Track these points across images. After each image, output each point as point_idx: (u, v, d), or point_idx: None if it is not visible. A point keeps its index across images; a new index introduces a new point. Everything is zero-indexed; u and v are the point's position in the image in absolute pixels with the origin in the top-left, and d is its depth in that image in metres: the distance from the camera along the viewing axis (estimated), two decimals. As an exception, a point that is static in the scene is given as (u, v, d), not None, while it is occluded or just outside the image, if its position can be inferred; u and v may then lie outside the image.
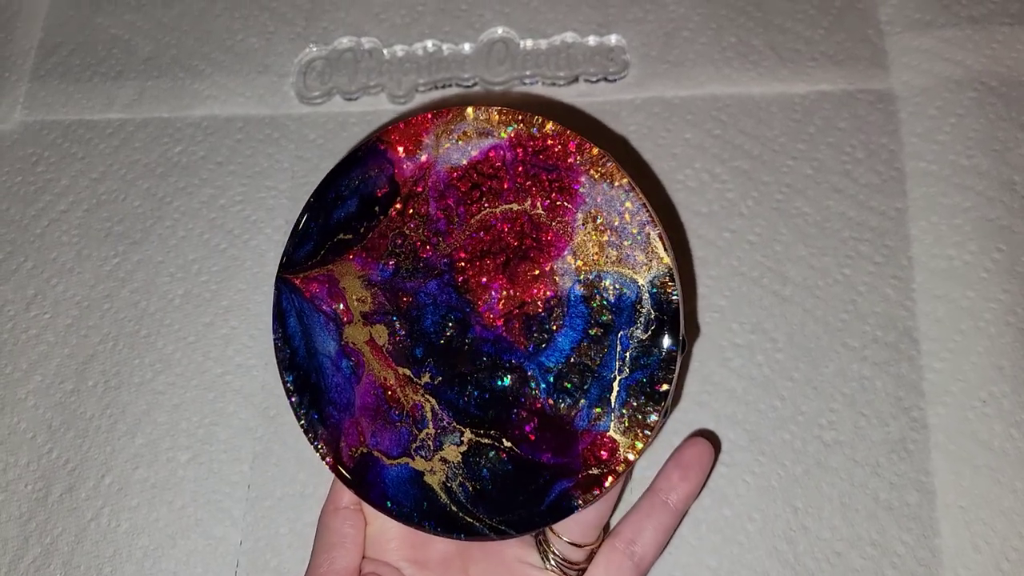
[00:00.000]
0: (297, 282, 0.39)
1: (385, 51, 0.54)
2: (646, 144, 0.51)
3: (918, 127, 0.50)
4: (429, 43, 0.54)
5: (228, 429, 0.47)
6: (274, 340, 0.39)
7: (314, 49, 0.55)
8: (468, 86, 0.53)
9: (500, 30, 0.54)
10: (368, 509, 0.39)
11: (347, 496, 0.39)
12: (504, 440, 0.36)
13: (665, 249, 0.35)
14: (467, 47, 0.54)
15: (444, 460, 0.36)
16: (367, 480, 0.37)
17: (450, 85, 0.53)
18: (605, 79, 0.53)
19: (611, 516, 0.42)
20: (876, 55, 0.52)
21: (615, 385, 0.35)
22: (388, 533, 0.39)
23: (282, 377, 0.39)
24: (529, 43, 0.54)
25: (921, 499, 0.43)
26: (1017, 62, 0.50)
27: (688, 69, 0.52)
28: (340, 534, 0.38)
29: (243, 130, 0.54)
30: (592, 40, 0.53)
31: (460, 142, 0.38)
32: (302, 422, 0.38)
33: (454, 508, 0.36)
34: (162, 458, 0.47)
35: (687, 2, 0.54)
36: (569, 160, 0.36)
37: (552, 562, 0.38)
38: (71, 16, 0.58)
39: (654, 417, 0.34)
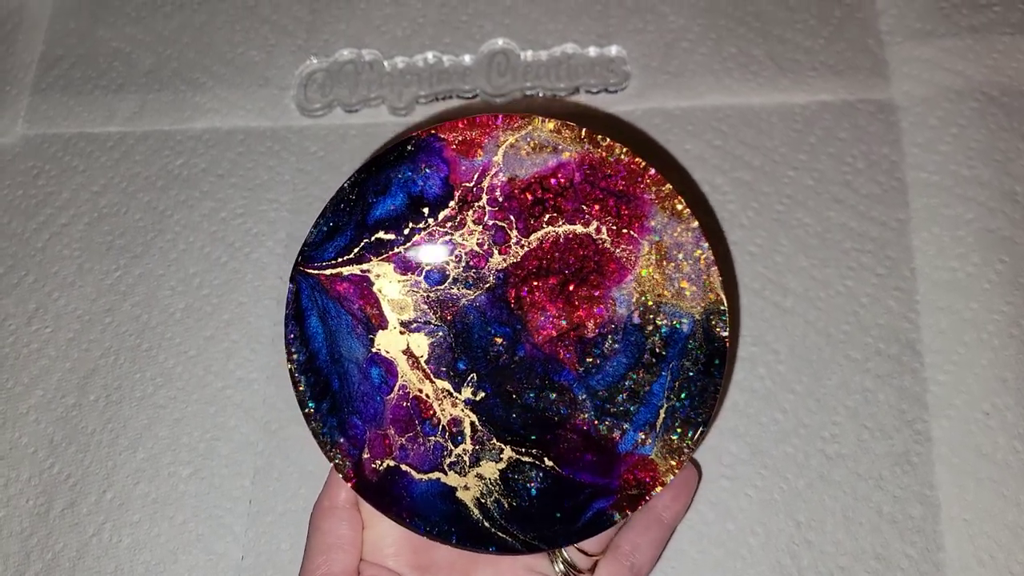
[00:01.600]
0: (322, 279, 0.37)
1: (386, 63, 0.54)
2: (646, 156, 0.50)
3: (919, 137, 0.50)
4: (430, 55, 0.54)
5: (229, 444, 0.47)
6: (286, 339, 0.36)
7: (315, 61, 0.55)
8: (469, 98, 0.53)
9: (500, 41, 0.54)
10: (367, 514, 0.38)
11: (343, 494, 0.38)
12: (546, 459, 0.36)
13: (721, 288, 0.35)
14: (468, 59, 0.54)
15: (480, 476, 0.36)
16: (392, 494, 0.36)
17: (451, 97, 0.53)
18: (606, 90, 0.52)
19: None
20: (877, 65, 0.51)
21: (662, 413, 0.35)
22: (387, 539, 0.38)
23: (294, 381, 0.36)
24: (530, 54, 0.54)
25: (925, 512, 0.43)
26: (1018, 72, 0.50)
27: (688, 80, 0.52)
28: (336, 535, 0.37)
29: (244, 143, 0.54)
30: (592, 51, 0.53)
31: (524, 153, 0.36)
32: (320, 429, 0.36)
33: (487, 524, 0.36)
34: (163, 473, 0.47)
35: (687, 13, 0.54)
36: (639, 188, 0.36)
37: (561, 568, 0.38)
38: (72, 29, 0.58)
39: (692, 443, 0.35)
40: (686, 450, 0.35)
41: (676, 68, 0.53)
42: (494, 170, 0.36)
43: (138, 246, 0.52)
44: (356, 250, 0.37)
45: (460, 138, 0.36)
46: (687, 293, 0.35)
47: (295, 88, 0.55)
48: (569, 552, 0.39)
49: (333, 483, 0.38)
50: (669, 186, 0.36)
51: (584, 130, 0.36)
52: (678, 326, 0.35)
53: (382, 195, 0.37)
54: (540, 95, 0.53)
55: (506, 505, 0.36)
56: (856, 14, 0.53)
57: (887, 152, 0.50)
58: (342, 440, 0.36)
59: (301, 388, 0.36)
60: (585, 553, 0.39)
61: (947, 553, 0.42)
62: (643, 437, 0.35)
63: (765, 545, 0.43)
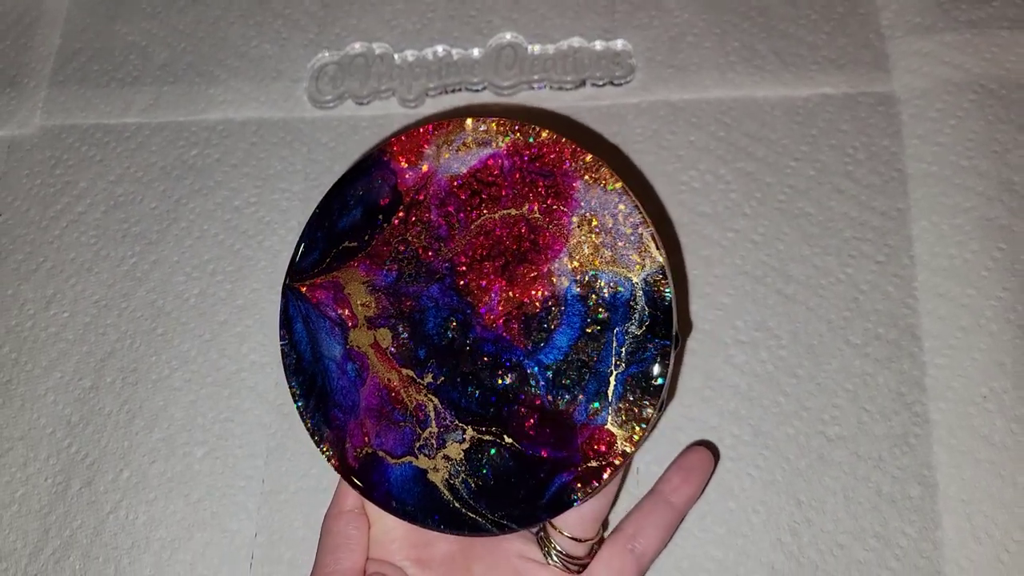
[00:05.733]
0: (303, 289, 0.40)
1: (396, 56, 0.55)
2: (651, 147, 0.52)
3: (919, 129, 0.51)
4: (439, 48, 0.55)
5: (243, 425, 0.48)
6: (281, 346, 0.40)
7: (326, 55, 0.56)
8: (477, 90, 0.54)
9: (508, 35, 0.55)
10: (372, 512, 0.40)
11: (350, 500, 0.40)
12: (505, 436, 0.37)
13: (657, 248, 0.36)
14: (476, 52, 0.55)
15: (447, 458, 0.37)
16: (372, 480, 0.38)
17: (460, 89, 0.54)
18: (611, 83, 0.54)
19: (609, 513, 0.43)
20: (878, 59, 0.53)
21: (612, 380, 0.36)
22: (391, 534, 0.39)
23: (288, 382, 0.40)
24: (537, 48, 0.55)
25: (923, 492, 0.44)
26: (1016, 65, 0.51)
27: (693, 73, 0.53)
28: (344, 535, 0.39)
29: (257, 134, 0.55)
30: (598, 45, 0.54)
31: (460, 152, 0.39)
32: (308, 425, 0.39)
33: (457, 504, 0.37)
34: (178, 453, 0.48)
35: (692, 7, 0.55)
36: (564, 166, 0.38)
37: (554, 557, 0.39)
38: (89, 23, 0.59)
39: (650, 410, 0.35)
40: (643, 418, 0.35)
41: (681, 62, 0.54)
42: (434, 173, 0.40)
43: (153, 233, 0.53)
44: (328, 261, 0.40)
45: (404, 149, 0.40)
46: (623, 258, 0.37)
47: (307, 80, 0.56)
48: (559, 541, 0.39)
49: (340, 492, 0.41)
50: (590, 157, 0.37)
51: (514, 122, 0.39)
52: (617, 292, 0.37)
53: (345, 210, 0.40)
54: (547, 88, 0.54)
55: (473, 484, 0.37)
56: (858, 9, 0.54)
57: (887, 143, 0.51)
58: (328, 432, 0.39)
59: (293, 388, 0.40)
60: (576, 539, 0.39)
61: (944, 532, 0.43)
62: (596, 407, 0.36)
63: (766, 523, 0.44)
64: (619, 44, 0.54)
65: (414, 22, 0.57)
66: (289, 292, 0.40)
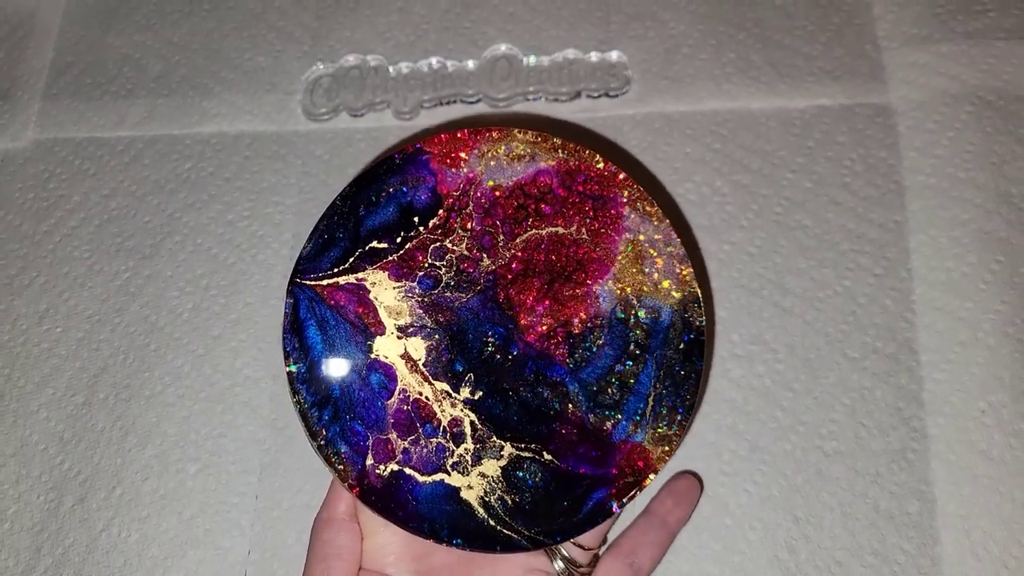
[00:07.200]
0: (319, 289, 0.38)
1: (391, 68, 0.55)
2: (647, 159, 0.51)
3: (916, 141, 0.50)
4: (434, 60, 0.55)
5: (236, 441, 0.48)
6: (286, 351, 0.37)
7: (321, 67, 0.56)
8: (472, 102, 0.54)
9: (503, 47, 0.55)
10: (368, 524, 0.39)
11: (342, 506, 0.39)
12: (545, 453, 0.37)
13: (693, 279, 0.38)
14: (471, 64, 0.55)
15: (483, 475, 0.37)
16: (397, 499, 0.37)
17: (455, 101, 0.54)
18: (607, 95, 0.53)
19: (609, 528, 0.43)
20: (874, 70, 0.52)
21: (650, 400, 0.37)
22: (387, 547, 0.38)
23: (295, 392, 0.37)
24: (532, 60, 0.54)
25: (921, 508, 0.43)
26: (1013, 76, 0.51)
27: (688, 85, 0.53)
28: (335, 545, 0.38)
29: (251, 147, 0.55)
30: (594, 56, 0.54)
31: (505, 162, 0.38)
32: (320, 441, 0.37)
33: (492, 522, 0.37)
34: (171, 469, 0.47)
35: (687, 19, 0.55)
36: (613, 192, 0.38)
37: (560, 565, 0.39)
38: (82, 36, 0.59)
39: (681, 429, 0.37)
40: (674, 436, 0.37)
41: (676, 73, 0.54)
42: (478, 179, 0.38)
43: (147, 248, 0.53)
44: (351, 260, 0.38)
45: (444, 151, 0.39)
46: (663, 286, 0.38)
47: (301, 93, 0.56)
48: (567, 548, 0.39)
49: (332, 495, 0.39)
50: (641, 189, 0.38)
51: (559, 140, 0.39)
52: (658, 317, 0.38)
53: (373, 207, 0.38)
54: (542, 99, 0.53)
55: (509, 501, 0.37)
56: (854, 20, 0.54)
57: (884, 155, 0.50)
58: (344, 448, 0.37)
59: (302, 399, 0.37)
60: (582, 547, 0.39)
61: (943, 548, 0.43)
62: (634, 425, 0.37)
63: (763, 540, 0.44)
64: (614, 56, 0.54)
65: (408, 34, 0.57)
66: (299, 292, 0.38)
